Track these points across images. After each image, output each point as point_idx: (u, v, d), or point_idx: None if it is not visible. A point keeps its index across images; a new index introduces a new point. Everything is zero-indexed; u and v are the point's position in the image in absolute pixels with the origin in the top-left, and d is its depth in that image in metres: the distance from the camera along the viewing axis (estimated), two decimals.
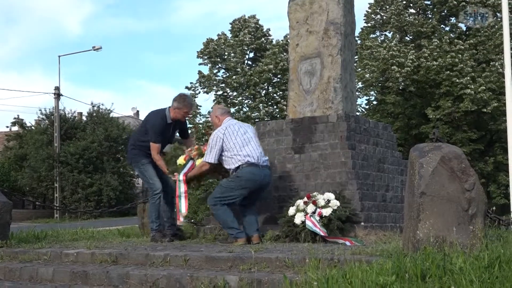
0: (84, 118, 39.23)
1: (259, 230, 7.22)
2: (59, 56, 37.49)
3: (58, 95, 35.15)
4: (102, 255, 6.21)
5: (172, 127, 8.02)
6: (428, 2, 34.45)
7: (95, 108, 38.23)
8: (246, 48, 37.76)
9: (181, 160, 7.69)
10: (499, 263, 3.89)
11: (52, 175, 34.23)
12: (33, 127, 38.16)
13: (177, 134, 8.34)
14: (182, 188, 7.52)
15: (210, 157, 7.24)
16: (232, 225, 7.09)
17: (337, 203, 6.96)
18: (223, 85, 36.86)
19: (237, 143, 7.17)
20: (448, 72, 30.15)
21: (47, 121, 36.68)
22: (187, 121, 8.40)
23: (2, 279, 6.15)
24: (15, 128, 39.98)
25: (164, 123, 7.87)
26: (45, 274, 5.93)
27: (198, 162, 7.55)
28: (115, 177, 34.32)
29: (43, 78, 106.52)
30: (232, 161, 7.16)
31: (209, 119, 35.17)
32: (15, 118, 39.11)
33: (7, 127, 40.97)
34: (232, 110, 37.03)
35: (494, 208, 7.81)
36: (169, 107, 7.91)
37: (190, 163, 7.56)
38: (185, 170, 7.53)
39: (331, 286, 3.70)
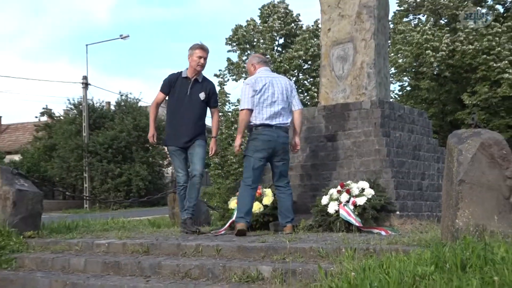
0: (112, 107, 39.61)
1: (294, 220, 7.15)
2: (87, 45, 38.09)
3: (86, 85, 35.49)
4: (134, 245, 6.26)
5: (191, 85, 7.52)
6: None
7: (123, 97, 38.55)
8: (275, 34, 37.60)
9: (232, 204, 7.62)
10: None
11: (81, 165, 34.65)
12: (61, 117, 38.62)
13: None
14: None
15: (245, 103, 7.05)
16: (240, 208, 6.98)
17: (372, 191, 6.92)
18: None
19: (259, 102, 7.05)
20: (485, 56, 29.70)
21: (75, 110, 37.09)
22: (215, 88, 7.93)
23: (34, 269, 6.24)
24: (44, 118, 40.60)
25: (176, 76, 7.58)
26: (77, 264, 6.00)
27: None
28: (144, 167, 34.52)
29: (71, 67, 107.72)
30: (253, 115, 7.08)
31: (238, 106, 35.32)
32: (43, 108, 39.77)
33: (36, 117, 41.67)
34: None
35: None
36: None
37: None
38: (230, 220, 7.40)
39: (368, 276, 3.67)
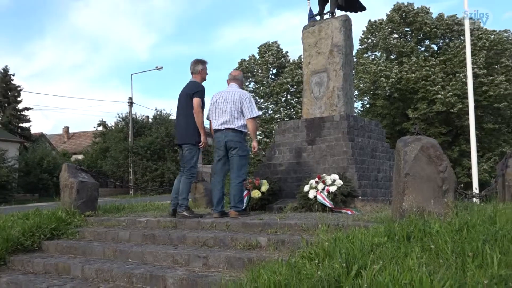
0: (150, 120, 39.58)
1: (236, 207, 6.43)
2: (132, 74, 38.33)
3: (131, 103, 35.52)
4: (165, 222, 6.26)
5: None
6: (408, 29, 33.98)
7: (159, 112, 38.56)
8: (270, 66, 37.67)
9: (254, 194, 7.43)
10: (467, 227, 3.80)
11: (127, 163, 34.66)
12: (113, 127, 38.63)
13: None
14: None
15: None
16: (213, 201, 6.60)
17: (341, 182, 6.88)
18: (253, 94, 36.81)
19: (214, 113, 6.59)
20: (424, 82, 29.85)
21: (123, 122, 37.09)
22: None
23: (92, 239, 6.22)
24: (100, 128, 40.67)
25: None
26: (123, 236, 5.99)
27: (253, 193, 7.38)
28: (173, 164, 34.47)
29: (120, 90, 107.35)
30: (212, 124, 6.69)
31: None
32: (100, 120, 40.26)
33: (94, 127, 41.81)
34: (260, 112, 36.95)
35: (462, 185, 7.65)
36: (192, 78, 6.75)
37: (245, 192, 7.09)
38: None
39: (338, 245, 3.64)
